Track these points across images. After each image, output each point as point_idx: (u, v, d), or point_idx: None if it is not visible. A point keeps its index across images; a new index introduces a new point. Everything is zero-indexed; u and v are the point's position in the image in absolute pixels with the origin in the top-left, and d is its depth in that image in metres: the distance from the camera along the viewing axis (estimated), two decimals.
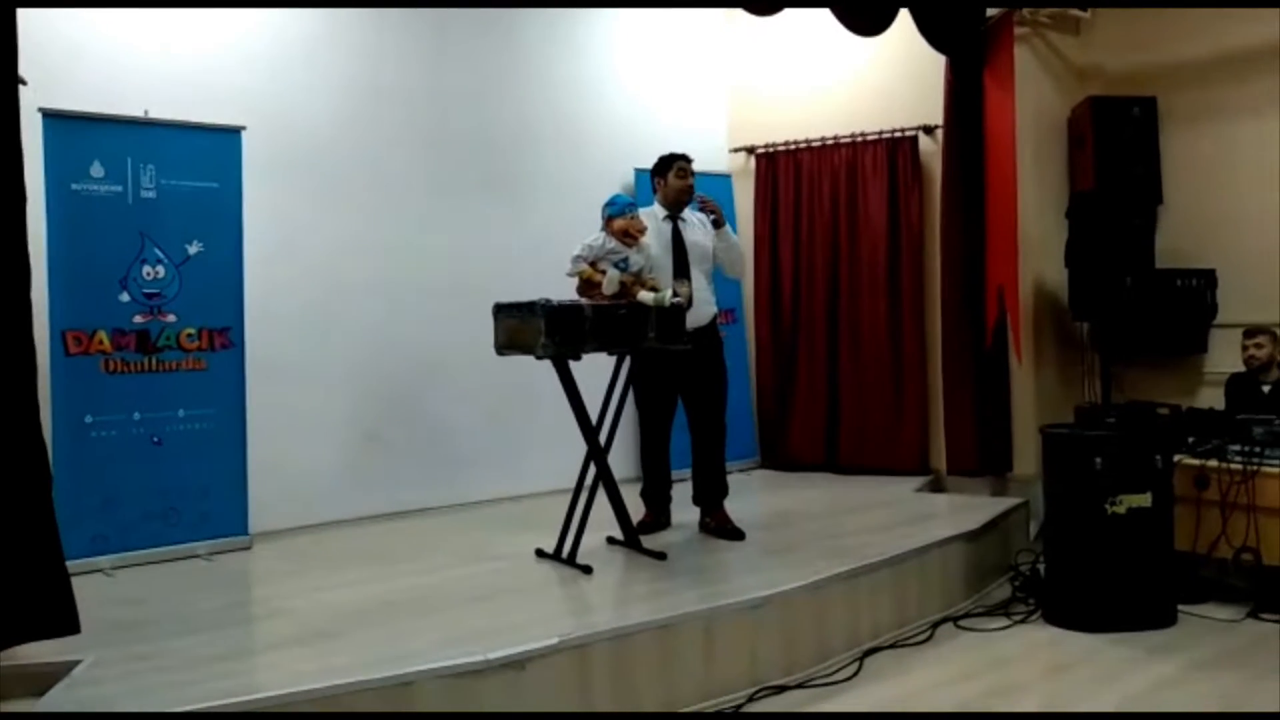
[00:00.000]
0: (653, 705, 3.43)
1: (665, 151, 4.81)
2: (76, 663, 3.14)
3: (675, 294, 4.32)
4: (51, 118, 4.23)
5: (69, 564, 3.23)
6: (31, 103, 3.84)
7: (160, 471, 4.49)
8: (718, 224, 4.75)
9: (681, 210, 4.74)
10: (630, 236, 4.30)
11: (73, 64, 4.47)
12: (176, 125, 4.57)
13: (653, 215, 4.65)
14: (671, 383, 4.74)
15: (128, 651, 3.26)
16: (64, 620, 3.13)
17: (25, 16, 3.09)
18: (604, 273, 4.23)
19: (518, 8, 5.81)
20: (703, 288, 4.68)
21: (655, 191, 4.79)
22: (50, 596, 3.10)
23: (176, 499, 4.52)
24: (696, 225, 4.76)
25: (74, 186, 4.33)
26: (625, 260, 4.27)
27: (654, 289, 4.27)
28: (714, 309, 4.78)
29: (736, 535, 4.63)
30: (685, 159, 4.76)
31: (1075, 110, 6.01)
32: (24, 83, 3.13)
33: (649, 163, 4.89)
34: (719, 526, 4.70)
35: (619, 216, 4.31)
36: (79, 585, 3.26)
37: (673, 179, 4.72)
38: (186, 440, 4.56)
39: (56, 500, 3.16)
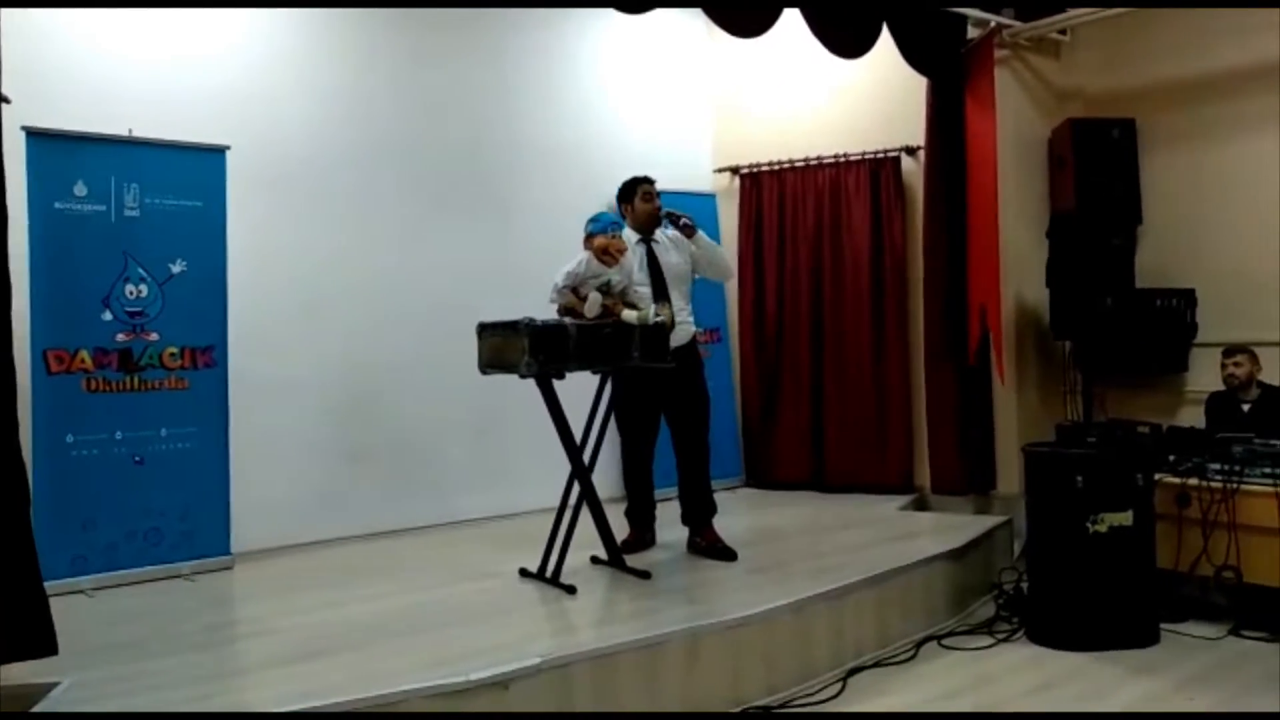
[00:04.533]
0: None
1: (646, 172, 4.81)
2: (55, 684, 3.11)
3: (657, 313, 4.31)
4: (35, 136, 4.23)
5: (49, 585, 3.21)
6: (15, 121, 3.84)
7: (142, 491, 4.46)
8: (689, 231, 4.67)
9: (653, 232, 4.74)
10: (609, 255, 4.25)
11: (57, 83, 4.47)
12: (161, 145, 4.57)
13: (630, 237, 4.61)
14: (653, 402, 4.74)
15: (108, 672, 3.24)
16: (41, 641, 3.10)
17: (9, 36, 3.09)
18: (585, 299, 4.22)
19: (497, 7, 5.82)
20: (682, 308, 4.68)
21: (624, 217, 4.72)
22: (27, 617, 3.07)
23: (158, 519, 4.49)
24: (670, 246, 4.76)
25: (57, 205, 4.33)
26: (607, 283, 4.26)
27: (635, 307, 4.27)
28: (693, 328, 4.79)
29: (728, 555, 4.61)
30: (649, 181, 4.75)
31: (1055, 132, 6.06)
32: (7, 101, 3.14)
33: None
34: (709, 546, 4.69)
35: (600, 234, 4.27)
36: (60, 607, 3.24)
37: (639, 203, 4.71)
38: (168, 460, 4.54)
39: (36, 520, 3.13)
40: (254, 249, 4.90)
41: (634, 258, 4.58)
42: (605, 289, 4.25)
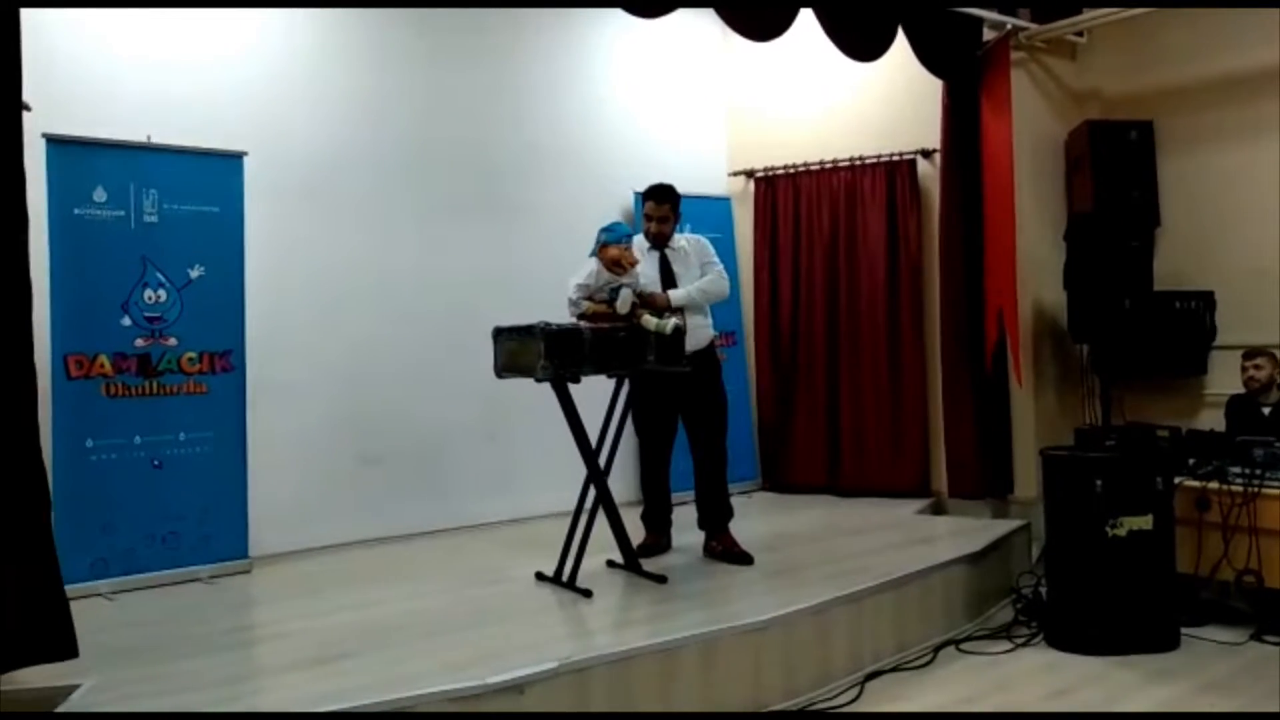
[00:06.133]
0: None
1: (661, 176, 4.78)
2: (76, 687, 3.13)
3: (668, 318, 4.29)
4: (55, 143, 4.27)
5: (69, 588, 3.24)
6: (35, 128, 3.86)
7: (160, 495, 4.49)
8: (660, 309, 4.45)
9: (667, 241, 4.70)
10: (620, 266, 4.26)
11: (76, 89, 4.50)
12: (179, 150, 4.60)
13: (640, 245, 4.60)
14: (670, 406, 4.73)
15: (127, 674, 3.26)
16: (62, 644, 3.12)
17: (29, 43, 3.12)
18: (603, 302, 4.22)
19: (512, 7, 5.82)
20: (697, 312, 4.66)
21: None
22: (48, 620, 3.10)
23: (177, 522, 4.52)
24: (684, 254, 4.71)
25: (77, 211, 4.36)
26: (619, 289, 4.26)
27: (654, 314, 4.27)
28: (710, 332, 4.77)
29: (744, 560, 4.60)
30: (656, 200, 4.63)
31: (1072, 134, 6.03)
32: (28, 108, 3.16)
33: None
34: (726, 551, 4.67)
35: (614, 244, 4.28)
36: (79, 610, 3.26)
37: (643, 221, 4.72)
38: (187, 463, 4.57)
39: (56, 524, 3.16)
40: (270, 254, 4.92)
41: (647, 264, 4.57)
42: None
